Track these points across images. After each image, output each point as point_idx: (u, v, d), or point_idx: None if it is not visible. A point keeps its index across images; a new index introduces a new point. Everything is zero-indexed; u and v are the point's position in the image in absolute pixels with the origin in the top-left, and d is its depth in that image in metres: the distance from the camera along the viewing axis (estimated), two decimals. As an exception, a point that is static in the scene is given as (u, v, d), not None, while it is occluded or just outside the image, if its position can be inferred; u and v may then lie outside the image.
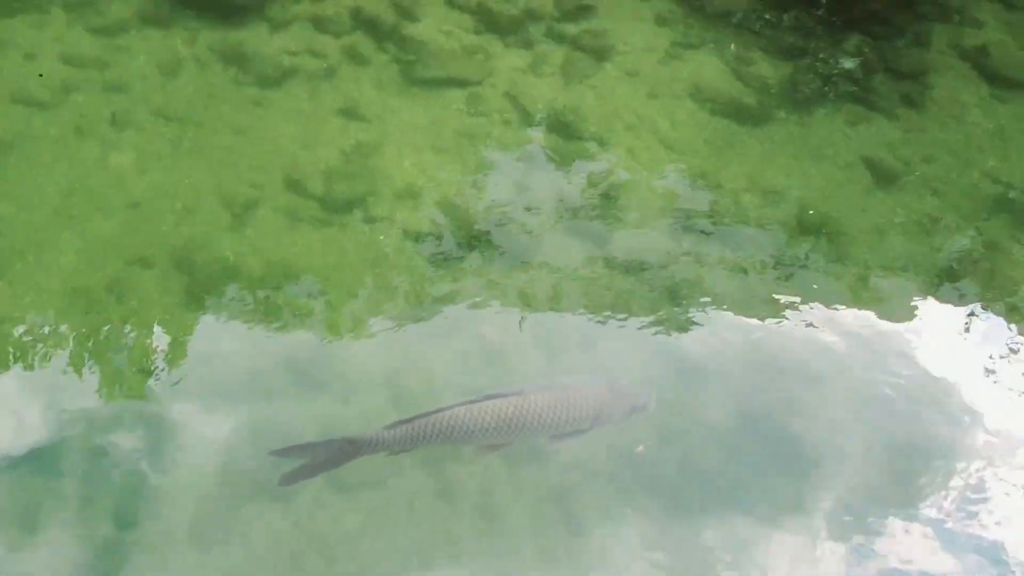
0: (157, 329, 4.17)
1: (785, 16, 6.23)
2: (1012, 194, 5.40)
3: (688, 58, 5.92)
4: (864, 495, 3.98)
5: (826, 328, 4.63)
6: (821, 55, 6.01)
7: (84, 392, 3.90)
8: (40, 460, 3.67)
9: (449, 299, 4.47)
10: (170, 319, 4.21)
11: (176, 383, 3.98)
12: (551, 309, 4.48)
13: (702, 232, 4.98)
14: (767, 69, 5.90)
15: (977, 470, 4.14)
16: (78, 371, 3.98)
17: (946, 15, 6.41)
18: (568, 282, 4.60)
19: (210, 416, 3.88)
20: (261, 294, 4.36)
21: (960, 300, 4.91)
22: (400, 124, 5.27)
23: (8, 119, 4.88)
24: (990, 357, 4.65)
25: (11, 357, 3.97)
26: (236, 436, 3.82)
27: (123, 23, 5.46)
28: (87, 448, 3.71)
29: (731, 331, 4.53)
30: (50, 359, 3.99)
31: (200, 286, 4.33)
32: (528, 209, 4.93)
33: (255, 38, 5.56)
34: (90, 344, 4.06)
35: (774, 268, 4.89)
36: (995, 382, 4.49)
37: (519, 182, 5.06)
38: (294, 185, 4.84)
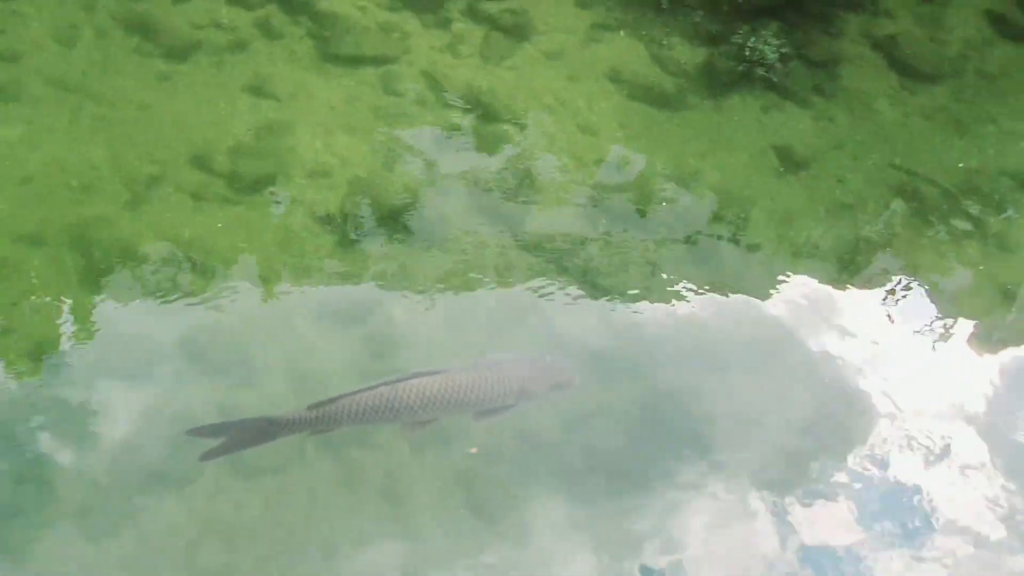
0: (48, 311, 3.99)
1: (704, 1, 6.28)
2: (916, 183, 5.59)
3: (608, 40, 5.92)
4: (771, 473, 4.10)
5: (734, 311, 4.74)
6: (737, 41, 6.08)
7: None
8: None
9: (358, 281, 4.40)
10: (63, 300, 4.04)
11: (68, 365, 3.84)
12: (461, 291, 4.46)
13: (616, 215, 5.02)
14: (685, 54, 5.95)
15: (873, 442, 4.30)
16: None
17: (859, 4, 6.56)
18: (479, 264, 4.59)
19: (103, 401, 3.75)
20: (161, 275, 4.22)
21: (864, 283, 5.08)
22: (312, 102, 5.14)
23: None
24: (889, 337, 4.83)
25: None
26: (130, 422, 3.70)
27: (16, -13, 5.18)
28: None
29: (640, 314, 4.59)
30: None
31: (96, 266, 4.17)
32: (441, 191, 4.88)
33: (161, 7, 5.33)
34: (-27, 327, 3.87)
35: (686, 251, 4.97)
36: (887, 359, 4.65)
37: (433, 163, 5.00)
38: (199, 162, 4.68)
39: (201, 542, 3.51)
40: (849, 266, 5.14)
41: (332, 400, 3.28)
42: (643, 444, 4.08)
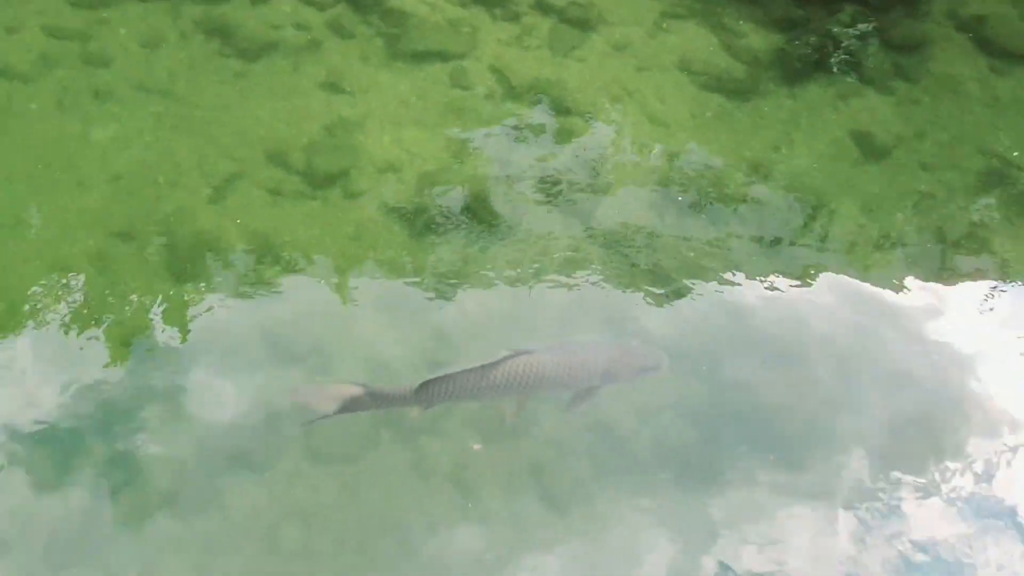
0: (138, 301, 4.18)
1: (777, -14, 6.13)
2: (1007, 170, 5.33)
3: (677, 30, 5.83)
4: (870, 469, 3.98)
5: (810, 304, 4.61)
6: (813, 26, 5.91)
7: (65, 363, 3.93)
8: (15, 430, 3.71)
9: (429, 273, 4.46)
10: (151, 291, 4.23)
11: (156, 353, 4.01)
12: (532, 283, 4.46)
13: (687, 207, 4.94)
14: (758, 41, 5.81)
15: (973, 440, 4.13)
16: (60, 342, 4.01)
17: (944, -16, 6.29)
18: (550, 257, 4.58)
19: (188, 387, 3.91)
20: (241, 267, 4.36)
21: (951, 278, 4.86)
22: (383, 98, 5.23)
23: (-10, 93, 4.88)
24: (977, 330, 4.61)
25: (-9, 330, 4.00)
26: (213, 407, 3.85)
27: (105, -5, 5.44)
28: (66, 417, 3.75)
29: (715, 307, 4.51)
30: (31, 330, 4.02)
31: (181, 259, 4.34)
32: (511, 184, 4.90)
33: (238, 10, 5.51)
34: (70, 315, 4.08)
35: (759, 244, 4.86)
36: (979, 353, 4.45)
37: (502, 157, 5.02)
38: (276, 159, 4.82)
39: (281, 524, 3.62)
40: (935, 259, 4.93)
41: (427, 381, 3.34)
42: (714, 439, 4.01)
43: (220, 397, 3.89)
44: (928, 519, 3.88)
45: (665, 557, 3.67)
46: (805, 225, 4.96)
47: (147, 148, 4.78)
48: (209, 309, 4.19)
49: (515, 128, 5.21)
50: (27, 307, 4.09)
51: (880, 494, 3.94)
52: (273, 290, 4.29)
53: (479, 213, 4.74)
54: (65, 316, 4.08)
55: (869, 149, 5.32)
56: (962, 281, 4.84)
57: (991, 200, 5.23)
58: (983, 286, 4.82)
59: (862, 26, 5.92)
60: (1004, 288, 4.82)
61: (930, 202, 5.15)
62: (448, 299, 4.33)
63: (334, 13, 5.61)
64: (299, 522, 3.64)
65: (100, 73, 5.08)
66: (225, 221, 4.51)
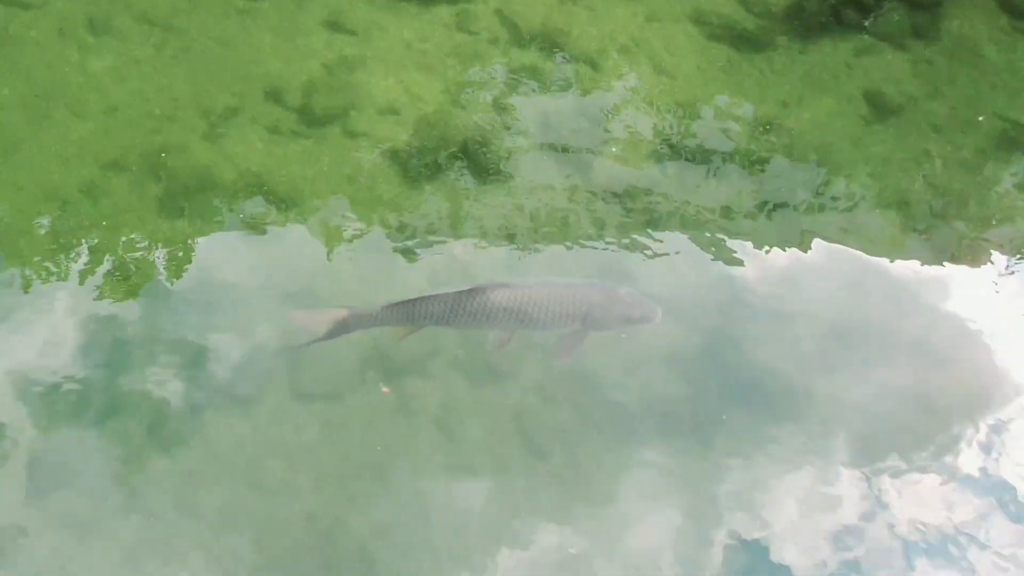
0: (128, 233, 4.18)
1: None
2: (1019, 136, 5.19)
3: (690, -22, 5.67)
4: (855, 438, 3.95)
5: (811, 266, 4.53)
6: (831, -20, 5.73)
7: (51, 293, 3.94)
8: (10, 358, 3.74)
9: (423, 216, 4.42)
10: (142, 225, 4.21)
11: (145, 287, 4.01)
12: (526, 232, 4.41)
13: (688, 160, 4.85)
14: (773, -7, 5.64)
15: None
16: (49, 273, 4.02)
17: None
18: (545, 205, 4.53)
19: (175, 322, 3.91)
20: (234, 204, 4.34)
21: (952, 238, 4.77)
22: (387, 40, 5.14)
23: (-11, 19, 4.83)
24: (977, 294, 4.53)
25: (-17, 255, 4.01)
26: (200, 343, 3.85)
27: (108, -75, 5.33)
28: (52, 348, 3.77)
29: (709, 263, 4.45)
30: (19, 258, 4.02)
31: (174, 193, 4.32)
32: (510, 130, 4.82)
33: (243, -56, 5.40)
34: (59, 245, 4.08)
35: (761, 201, 4.77)
36: (979, 318, 4.38)
37: (504, 103, 4.93)
38: (275, 96, 4.76)
39: (263, 459, 3.64)
40: (941, 224, 4.83)
41: (402, 302, 3.51)
42: (707, 396, 3.99)
43: (208, 333, 3.89)
44: (915, 491, 3.86)
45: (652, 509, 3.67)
46: (809, 183, 4.87)
47: (145, 80, 4.73)
48: (200, 245, 4.18)
49: (519, 75, 5.11)
50: (17, 233, 4.10)
51: (868, 457, 3.91)
52: (265, 228, 4.26)
53: (478, 160, 4.67)
54: (54, 246, 4.08)
55: (881, 108, 5.18)
56: (967, 249, 4.74)
57: (1003, 166, 5.10)
58: (998, 258, 4.71)
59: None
60: (1011, 257, 4.72)
61: (938, 164, 5.03)
62: (441, 244, 4.30)
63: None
64: (280, 458, 3.66)
65: (101, 3, 5.01)
66: (220, 157, 4.47)
